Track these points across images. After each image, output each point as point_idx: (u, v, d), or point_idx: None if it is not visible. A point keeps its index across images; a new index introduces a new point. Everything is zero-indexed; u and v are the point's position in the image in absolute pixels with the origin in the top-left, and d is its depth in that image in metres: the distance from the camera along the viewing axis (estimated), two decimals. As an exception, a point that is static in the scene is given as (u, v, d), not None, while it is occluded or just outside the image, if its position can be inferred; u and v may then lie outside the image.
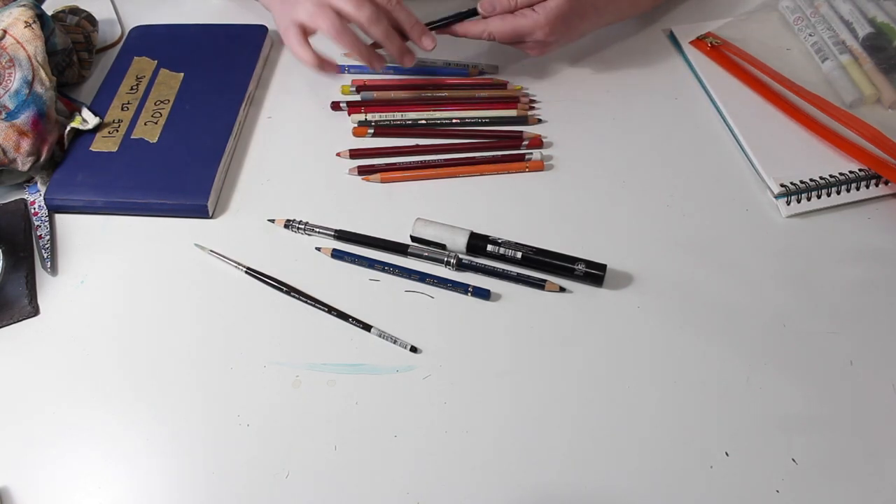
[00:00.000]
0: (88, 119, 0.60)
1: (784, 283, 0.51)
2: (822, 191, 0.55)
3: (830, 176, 0.56)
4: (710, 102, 0.63)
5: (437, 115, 0.63)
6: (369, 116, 0.63)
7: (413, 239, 0.54)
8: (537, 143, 0.60)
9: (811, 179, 0.55)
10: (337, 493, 0.43)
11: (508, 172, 0.59)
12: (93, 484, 0.44)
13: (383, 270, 0.53)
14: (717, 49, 0.65)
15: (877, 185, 0.55)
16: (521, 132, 0.61)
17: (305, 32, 0.59)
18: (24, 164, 0.57)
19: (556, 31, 0.58)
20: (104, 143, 0.60)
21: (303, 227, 0.55)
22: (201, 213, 0.56)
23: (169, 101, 0.63)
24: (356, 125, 0.62)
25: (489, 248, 0.52)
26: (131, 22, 0.72)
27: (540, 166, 0.59)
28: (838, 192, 0.55)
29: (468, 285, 0.51)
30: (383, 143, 0.61)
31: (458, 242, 0.53)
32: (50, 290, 0.53)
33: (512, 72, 0.67)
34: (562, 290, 0.52)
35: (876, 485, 0.42)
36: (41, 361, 0.50)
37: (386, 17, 0.57)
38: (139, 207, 0.57)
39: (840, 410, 0.45)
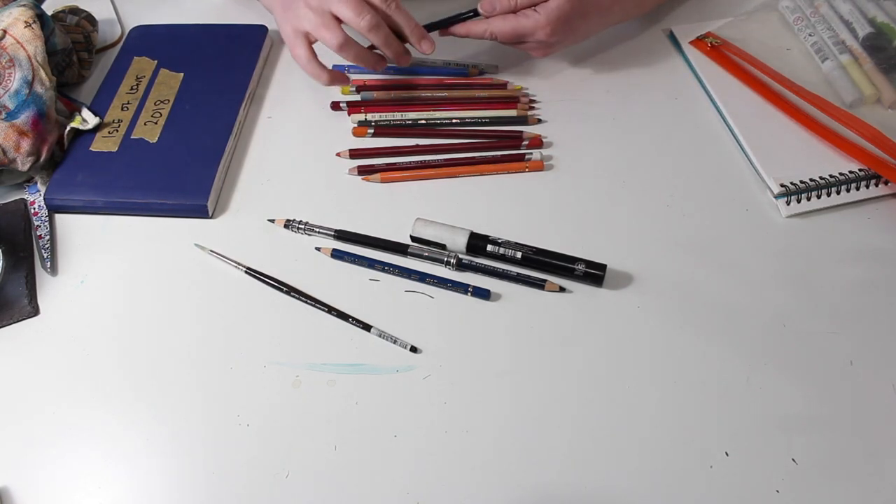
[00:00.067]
0: (88, 119, 0.60)
1: (784, 283, 0.51)
2: (822, 191, 0.55)
3: (830, 176, 0.56)
4: (710, 102, 0.63)
5: (437, 115, 0.63)
6: (369, 116, 0.63)
7: (413, 239, 0.54)
8: (537, 143, 0.60)
9: (811, 179, 0.55)
10: (337, 493, 0.43)
11: (508, 172, 0.59)
12: (93, 484, 0.44)
13: (383, 270, 0.53)
14: (717, 49, 0.65)
15: (877, 185, 0.55)
16: (521, 132, 0.61)
17: (311, 42, 0.59)
18: (23, 164, 0.57)
19: (558, 31, 0.58)
20: (104, 143, 0.60)
21: (303, 227, 0.55)
22: (201, 213, 0.56)
23: (169, 101, 0.63)
24: (356, 125, 0.62)
25: (489, 248, 0.52)
26: (131, 22, 0.72)
27: (540, 166, 0.59)
28: (838, 192, 0.55)
29: (468, 285, 0.51)
30: (383, 143, 0.61)
31: (458, 242, 0.53)
32: (50, 290, 0.53)
33: (512, 72, 0.67)
34: (562, 290, 0.52)
35: (876, 485, 0.42)
36: (41, 361, 0.50)
37: (385, 23, 0.57)
38: (139, 207, 0.57)
39: (840, 410, 0.45)
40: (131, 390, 0.48)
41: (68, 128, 0.59)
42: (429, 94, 0.64)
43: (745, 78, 0.63)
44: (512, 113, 0.63)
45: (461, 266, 0.53)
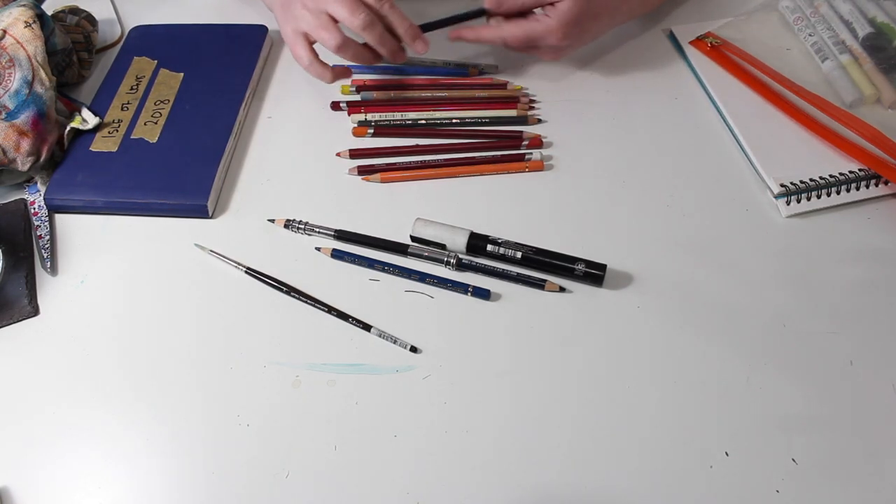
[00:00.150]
0: (88, 119, 0.60)
1: (784, 283, 0.51)
2: (822, 191, 0.55)
3: (830, 176, 0.56)
4: (710, 102, 0.63)
5: (437, 115, 0.63)
6: (369, 116, 0.63)
7: (413, 239, 0.54)
8: (537, 143, 0.60)
9: (811, 179, 0.55)
10: (337, 493, 0.43)
11: (508, 172, 0.59)
12: (93, 484, 0.44)
13: (383, 270, 0.53)
14: (717, 49, 0.65)
15: (877, 185, 0.55)
16: (521, 132, 0.61)
17: (311, 42, 0.59)
18: (23, 164, 0.57)
19: (570, 34, 0.58)
20: (104, 143, 0.60)
21: (303, 227, 0.55)
22: (201, 213, 0.56)
23: (169, 101, 0.63)
24: (356, 125, 0.62)
25: (489, 248, 0.52)
26: (131, 22, 0.72)
27: (540, 166, 0.59)
28: (838, 192, 0.55)
29: (468, 285, 0.51)
30: (383, 143, 0.61)
31: (458, 242, 0.53)
32: (50, 290, 0.53)
33: (512, 72, 0.67)
34: (562, 290, 0.52)
35: (876, 485, 0.42)
36: (41, 361, 0.50)
37: (380, 22, 0.57)
38: (139, 207, 0.57)
39: (840, 410, 0.45)
40: (131, 390, 0.48)
41: (68, 128, 0.59)
42: (429, 94, 0.64)
43: (745, 78, 0.63)
44: (512, 113, 0.63)
45: (461, 266, 0.53)
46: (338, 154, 0.60)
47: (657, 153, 0.60)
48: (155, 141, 0.60)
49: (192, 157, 0.58)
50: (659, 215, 0.56)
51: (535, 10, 0.59)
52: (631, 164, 0.59)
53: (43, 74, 0.59)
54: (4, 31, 0.59)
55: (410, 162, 0.59)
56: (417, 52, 0.59)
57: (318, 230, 0.55)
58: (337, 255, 0.54)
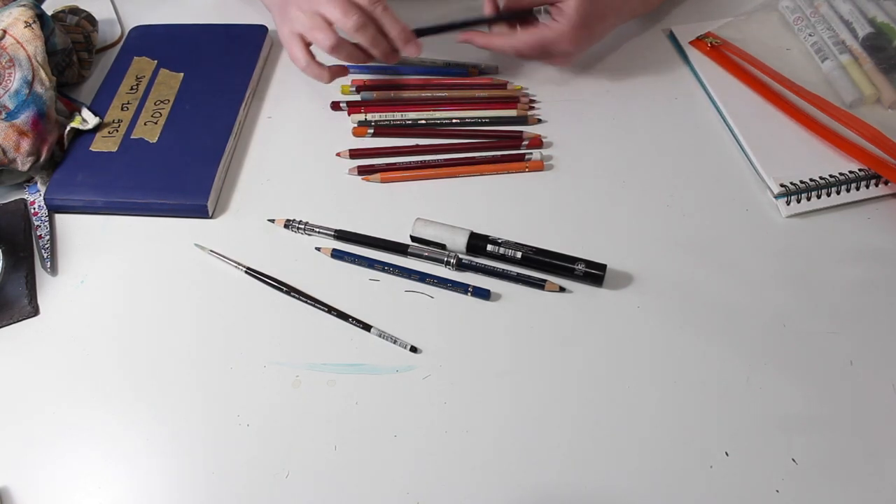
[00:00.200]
0: (88, 119, 0.60)
1: (784, 283, 0.51)
2: (822, 191, 0.55)
3: (830, 176, 0.56)
4: (710, 102, 0.63)
5: (437, 115, 0.63)
6: (369, 116, 0.63)
7: (413, 239, 0.54)
8: (537, 143, 0.60)
9: (811, 179, 0.55)
10: (337, 493, 0.43)
11: (508, 172, 0.59)
12: (93, 484, 0.44)
13: (383, 270, 0.53)
14: (717, 49, 0.65)
15: (877, 185, 0.55)
16: (521, 132, 0.61)
17: (307, 43, 0.59)
18: (23, 164, 0.57)
19: (580, 37, 0.59)
20: (104, 143, 0.60)
21: (303, 227, 0.55)
22: (201, 213, 0.56)
23: (169, 101, 0.63)
24: (356, 125, 0.62)
25: (489, 248, 0.52)
26: (131, 22, 0.72)
27: (540, 166, 0.59)
28: (838, 192, 0.55)
29: (468, 285, 0.51)
30: (383, 143, 0.61)
31: (458, 242, 0.53)
32: (50, 290, 0.53)
33: (512, 72, 0.67)
34: (562, 290, 0.52)
35: (876, 485, 0.42)
36: (41, 361, 0.50)
37: (372, 24, 0.57)
38: (139, 207, 0.57)
39: (840, 410, 0.45)
40: (131, 390, 0.48)
41: (68, 128, 0.59)
42: (429, 94, 0.64)
43: (745, 78, 0.63)
44: (512, 113, 0.63)
45: (461, 266, 0.53)
46: (338, 154, 0.60)
47: (657, 153, 0.60)
48: (155, 141, 0.60)
49: (192, 157, 0.58)
50: (659, 215, 0.56)
51: (541, 17, 0.59)
52: (631, 164, 0.59)
53: (43, 74, 0.59)
54: (4, 31, 0.59)
55: (410, 162, 0.59)
56: (409, 56, 0.59)
57: (318, 230, 0.55)
58: (337, 255, 0.54)
